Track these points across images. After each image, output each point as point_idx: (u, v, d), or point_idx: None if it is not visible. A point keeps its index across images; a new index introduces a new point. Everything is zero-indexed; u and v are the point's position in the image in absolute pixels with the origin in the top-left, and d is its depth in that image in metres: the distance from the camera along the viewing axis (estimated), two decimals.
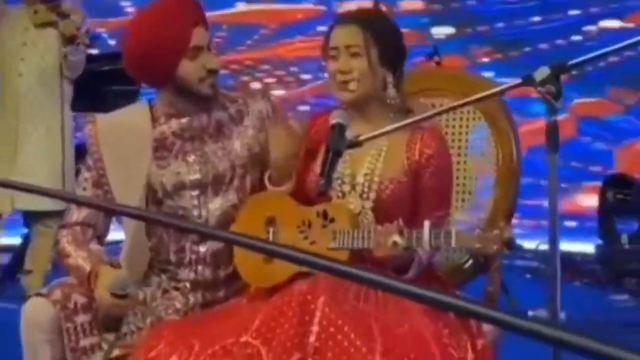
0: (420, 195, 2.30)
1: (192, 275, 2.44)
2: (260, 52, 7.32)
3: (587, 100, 6.57)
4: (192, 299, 2.44)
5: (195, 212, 2.43)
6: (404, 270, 2.21)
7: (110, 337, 2.33)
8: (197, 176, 2.44)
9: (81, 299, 2.32)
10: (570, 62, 2.02)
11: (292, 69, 7.38)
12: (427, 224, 2.13)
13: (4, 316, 4.30)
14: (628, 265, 5.58)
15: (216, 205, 2.44)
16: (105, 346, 2.31)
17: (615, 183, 5.86)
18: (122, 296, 2.24)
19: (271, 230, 2.34)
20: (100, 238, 2.47)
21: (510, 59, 6.86)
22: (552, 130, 2.01)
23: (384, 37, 2.31)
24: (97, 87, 4.93)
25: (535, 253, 5.63)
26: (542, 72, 1.97)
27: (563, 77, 1.98)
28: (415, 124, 2.22)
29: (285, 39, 7.34)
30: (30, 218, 4.73)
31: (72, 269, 2.37)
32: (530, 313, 3.54)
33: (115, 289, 2.23)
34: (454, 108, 2.37)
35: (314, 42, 7.15)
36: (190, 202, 2.44)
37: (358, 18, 2.35)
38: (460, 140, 2.64)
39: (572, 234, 5.96)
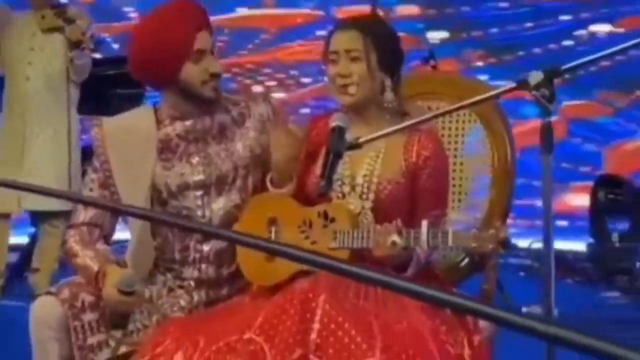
0: (417, 195, 2.30)
1: (196, 274, 2.44)
2: (261, 56, 7.32)
3: (577, 102, 6.58)
4: (196, 297, 2.44)
5: (199, 212, 2.43)
6: (402, 269, 2.21)
7: (117, 334, 2.33)
8: (200, 177, 2.44)
9: (88, 298, 2.32)
10: (564, 67, 2.03)
11: (292, 72, 7.39)
12: (425, 223, 2.14)
13: (13, 313, 4.32)
14: (619, 263, 5.60)
15: (219, 205, 2.44)
16: (112, 343, 2.31)
17: (606, 183, 5.87)
18: (129, 293, 2.24)
19: (273, 230, 2.34)
20: (106, 238, 2.47)
21: (503, 62, 6.87)
22: (546, 132, 2.01)
23: (383, 42, 2.32)
24: (103, 90, 4.93)
25: (529, 251, 5.64)
26: (536, 76, 1.98)
27: (555, 81, 1.99)
28: (413, 127, 2.22)
29: (285, 43, 7.35)
30: (37, 218, 4.74)
31: (80, 268, 2.37)
32: (524, 310, 3.55)
33: (122, 286, 2.23)
34: (450, 111, 2.37)
35: (313, 46, 7.17)
36: (194, 202, 2.44)
37: (358, 23, 2.35)
38: (456, 142, 2.64)
39: (564, 233, 5.97)
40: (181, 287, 2.45)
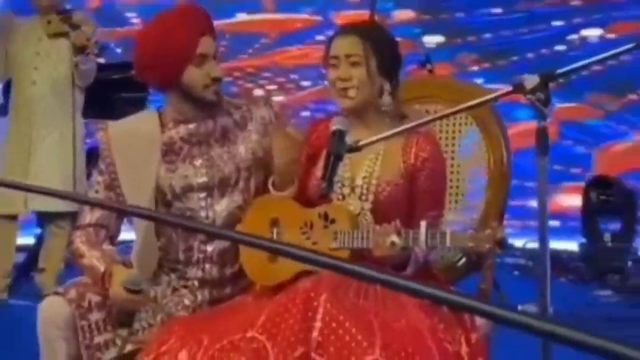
0: (415, 196, 2.31)
1: (199, 274, 2.44)
2: (261, 60, 7.33)
3: (569, 105, 6.58)
4: (200, 297, 2.44)
5: (203, 214, 2.44)
6: (401, 269, 2.21)
7: (123, 333, 2.33)
8: (204, 179, 2.44)
9: (95, 298, 2.32)
10: (559, 71, 2.03)
11: (292, 76, 7.39)
12: (423, 224, 2.14)
13: (20, 313, 4.31)
14: (611, 262, 5.60)
15: (222, 206, 2.44)
16: (118, 342, 2.31)
17: (598, 184, 5.87)
18: (136, 292, 2.24)
19: (275, 231, 2.34)
20: (112, 238, 2.47)
21: (498, 67, 6.87)
22: (542, 135, 2.02)
23: (382, 47, 2.32)
24: (107, 94, 4.94)
25: (523, 251, 5.65)
26: (532, 81, 1.98)
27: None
28: (411, 130, 2.23)
29: (285, 47, 7.35)
30: (44, 219, 4.73)
31: (87, 269, 2.37)
32: (519, 308, 3.54)
33: (129, 284, 2.24)
34: (448, 115, 2.37)
35: (312, 50, 7.18)
36: (198, 203, 2.44)
37: (358, 29, 2.36)
38: (453, 145, 2.65)
39: (556, 233, 5.97)
40: (185, 286, 2.45)
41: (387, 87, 2.33)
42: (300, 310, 2.05)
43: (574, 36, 6.74)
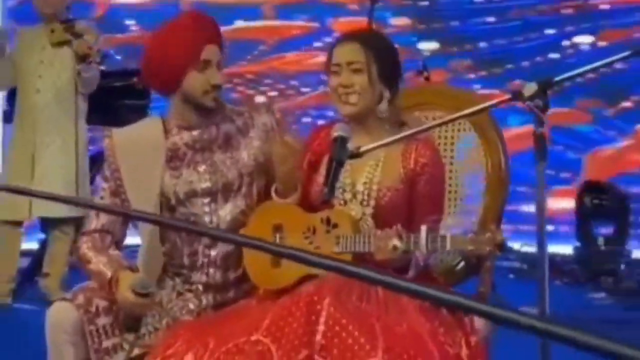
0: (415, 201, 2.31)
1: (204, 278, 2.44)
2: (259, 66, 7.33)
3: (559, 110, 6.60)
4: (204, 301, 2.44)
5: (207, 219, 2.44)
6: (402, 272, 2.21)
7: (130, 337, 2.33)
8: (207, 184, 2.45)
9: (102, 303, 2.32)
10: (557, 78, 2.04)
11: (289, 81, 7.39)
12: (424, 228, 2.15)
13: (24, 317, 4.31)
14: (604, 265, 5.62)
15: (226, 211, 2.44)
16: (126, 346, 2.31)
17: (591, 189, 5.89)
18: (144, 295, 2.24)
19: (278, 236, 2.35)
20: (117, 244, 2.47)
21: (494, 75, 6.89)
22: (540, 141, 2.02)
23: (383, 54, 2.33)
24: (110, 101, 4.94)
25: (518, 254, 5.66)
26: (530, 88, 1.99)
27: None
28: (411, 136, 2.23)
29: (282, 54, 7.36)
30: (47, 224, 4.73)
31: (94, 274, 2.37)
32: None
33: (138, 288, 2.24)
34: (447, 121, 2.37)
35: (310, 57, 7.19)
36: (202, 209, 2.44)
37: (359, 36, 2.37)
38: (452, 150, 2.65)
39: (549, 236, 5.97)
40: (190, 291, 2.45)
41: (386, 94, 2.33)
42: (304, 313, 2.05)
43: (567, 44, 6.77)
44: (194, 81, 2.38)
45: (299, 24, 7.34)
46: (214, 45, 2.42)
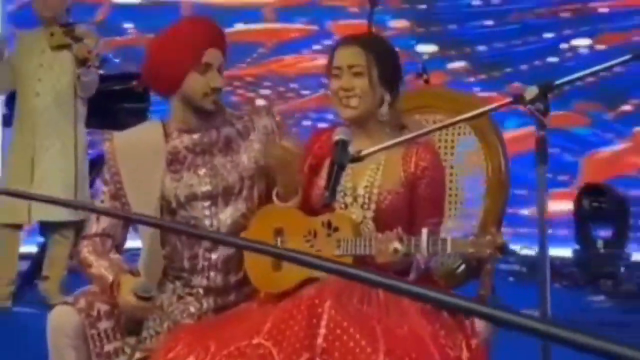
0: (416, 204, 2.31)
1: (204, 282, 2.44)
2: (259, 69, 7.33)
3: (556, 113, 6.61)
4: (205, 304, 2.44)
5: (207, 222, 2.44)
6: (403, 275, 2.21)
7: (132, 341, 2.33)
8: (207, 188, 2.45)
9: (104, 307, 2.32)
10: (557, 82, 2.04)
11: (289, 84, 7.40)
12: (424, 231, 2.15)
13: (24, 320, 4.31)
14: (603, 268, 5.62)
15: (227, 215, 2.44)
16: (127, 350, 2.31)
17: (590, 192, 5.89)
18: (146, 298, 2.24)
19: (279, 240, 2.35)
20: (118, 247, 2.47)
21: (493, 78, 6.89)
22: (541, 144, 2.02)
23: (384, 57, 2.33)
24: (109, 105, 4.94)
25: (517, 257, 5.66)
26: (531, 91, 1.99)
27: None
28: (411, 140, 2.24)
29: (281, 56, 7.36)
30: (47, 228, 4.73)
31: (95, 278, 2.37)
32: None
33: (140, 291, 2.24)
34: (448, 125, 2.38)
35: (309, 59, 7.19)
36: (202, 212, 2.44)
37: (360, 40, 2.37)
38: (452, 154, 2.65)
39: (548, 240, 5.96)
40: (190, 294, 2.45)
41: (387, 97, 2.33)
42: (305, 316, 2.05)
43: (565, 47, 6.77)
44: (194, 83, 2.39)
45: (298, 26, 7.35)
46: (216, 50, 2.42)
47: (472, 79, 6.97)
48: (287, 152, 2.30)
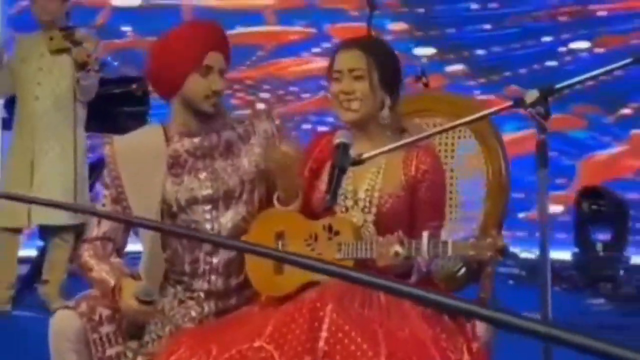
0: (416, 207, 2.32)
1: (205, 286, 2.44)
2: (257, 72, 7.34)
3: (554, 116, 6.60)
4: (206, 308, 2.44)
5: (208, 226, 2.44)
6: (404, 278, 2.22)
7: (134, 345, 2.33)
8: (208, 191, 2.45)
9: (105, 311, 2.32)
10: (558, 86, 2.05)
11: (289, 87, 7.40)
12: (425, 234, 2.15)
13: (24, 324, 4.31)
14: (603, 271, 5.62)
15: (227, 218, 2.45)
16: (129, 354, 2.31)
17: (589, 195, 5.89)
18: (148, 303, 2.24)
19: (280, 243, 2.35)
20: (118, 251, 2.47)
21: (491, 82, 6.90)
22: (542, 147, 2.02)
23: (385, 61, 2.34)
24: (109, 108, 4.94)
25: (517, 261, 5.66)
26: (532, 95, 1.99)
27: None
28: (412, 143, 2.24)
29: (280, 59, 7.37)
30: (47, 232, 4.73)
31: (96, 282, 2.37)
32: None
33: (142, 295, 2.24)
34: (449, 128, 2.38)
35: (307, 62, 7.20)
36: (203, 216, 2.44)
37: (361, 43, 2.38)
38: (452, 157, 2.65)
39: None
40: (191, 298, 2.45)
41: (387, 101, 2.34)
42: (306, 320, 2.05)
43: (564, 51, 6.78)
44: (195, 85, 2.39)
45: (297, 29, 7.35)
46: (218, 53, 2.43)
47: (472, 83, 6.97)
48: (287, 156, 2.30)
